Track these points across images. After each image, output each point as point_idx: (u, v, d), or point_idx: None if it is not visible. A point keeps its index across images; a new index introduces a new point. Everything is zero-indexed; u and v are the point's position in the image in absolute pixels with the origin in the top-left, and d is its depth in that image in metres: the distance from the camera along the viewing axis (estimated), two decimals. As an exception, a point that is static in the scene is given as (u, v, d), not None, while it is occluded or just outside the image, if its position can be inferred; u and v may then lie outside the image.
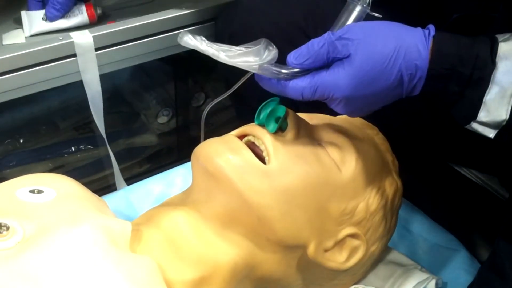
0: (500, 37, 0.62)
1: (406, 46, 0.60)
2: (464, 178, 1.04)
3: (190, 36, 0.64)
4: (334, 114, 0.79)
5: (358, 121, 0.79)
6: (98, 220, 0.57)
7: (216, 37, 1.10)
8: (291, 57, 0.62)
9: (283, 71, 0.62)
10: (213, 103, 0.70)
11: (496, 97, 0.60)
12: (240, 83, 0.68)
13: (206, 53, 0.63)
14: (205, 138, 0.67)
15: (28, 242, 0.52)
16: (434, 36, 0.61)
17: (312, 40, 0.62)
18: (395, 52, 0.59)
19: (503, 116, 0.60)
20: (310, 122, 0.72)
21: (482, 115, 0.61)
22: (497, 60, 0.60)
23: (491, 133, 0.62)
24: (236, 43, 0.65)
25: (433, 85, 0.61)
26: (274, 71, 0.62)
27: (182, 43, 0.64)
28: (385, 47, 0.59)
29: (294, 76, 0.62)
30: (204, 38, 0.64)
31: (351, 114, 0.64)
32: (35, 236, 0.53)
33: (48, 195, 0.62)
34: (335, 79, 0.60)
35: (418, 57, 0.60)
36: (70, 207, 0.61)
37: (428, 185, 1.03)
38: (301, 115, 0.70)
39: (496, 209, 0.90)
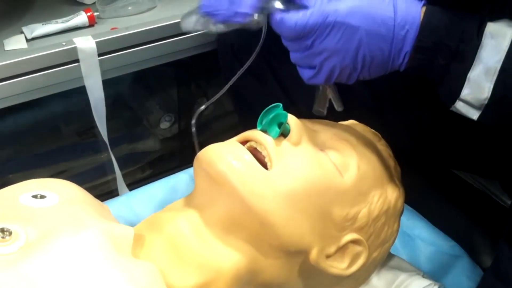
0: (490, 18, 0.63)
1: None
2: (466, 184, 1.04)
3: (186, 20, 0.67)
4: (336, 120, 0.80)
5: (360, 127, 0.79)
6: (100, 225, 0.57)
7: (218, 42, 1.11)
8: None
9: (276, 6, 0.64)
10: (204, 107, 0.71)
11: (480, 74, 0.62)
12: (235, 78, 0.69)
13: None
14: (207, 145, 0.67)
15: (31, 247, 0.52)
16: (426, 6, 0.63)
17: None
18: None
19: (485, 94, 0.62)
20: (312, 128, 0.72)
21: (465, 92, 0.63)
22: (483, 37, 0.61)
23: (474, 115, 0.64)
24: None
25: (421, 57, 0.64)
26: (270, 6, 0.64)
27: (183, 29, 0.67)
28: None
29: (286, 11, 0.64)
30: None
31: (334, 57, 0.65)
32: (37, 241, 0.53)
33: (50, 200, 0.62)
34: (332, 3, 0.62)
35: (412, 6, 0.63)
36: (73, 212, 0.61)
37: (430, 191, 1.03)
38: (303, 121, 0.70)
39: (498, 215, 0.90)
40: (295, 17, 0.63)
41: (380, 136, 0.79)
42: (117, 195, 1.17)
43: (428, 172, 1.02)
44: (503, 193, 1.02)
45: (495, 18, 0.63)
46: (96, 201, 0.69)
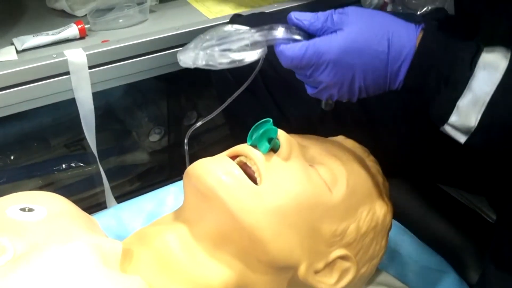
0: (487, 47, 0.64)
1: (397, 28, 0.65)
2: (454, 200, 1.04)
3: (185, 55, 0.67)
4: (326, 135, 0.80)
5: (349, 143, 0.79)
6: (88, 239, 0.57)
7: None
8: (295, 13, 0.67)
9: (277, 36, 0.66)
10: (200, 124, 0.72)
11: (469, 103, 0.63)
12: (231, 100, 0.70)
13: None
14: (197, 158, 0.67)
15: (19, 261, 0.52)
16: (424, 31, 0.65)
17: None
18: (386, 29, 0.64)
19: (472, 123, 0.63)
20: (302, 143, 0.72)
21: (453, 119, 0.65)
22: (476, 68, 0.62)
23: (461, 138, 0.66)
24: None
25: (414, 78, 0.65)
26: (270, 38, 0.66)
27: (182, 64, 0.68)
28: (378, 24, 0.65)
29: (287, 42, 0.67)
30: (199, 51, 0.67)
31: (332, 87, 0.67)
32: (25, 254, 0.53)
33: (39, 213, 0.62)
34: (327, 41, 0.65)
35: (406, 39, 0.65)
36: (61, 226, 0.60)
37: (418, 206, 1.04)
38: (293, 136, 0.70)
39: (485, 231, 0.91)
40: (291, 51, 0.66)
41: (369, 152, 0.80)
42: (106, 207, 1.17)
43: (416, 187, 1.03)
44: (489, 208, 1.03)
45: (492, 42, 0.64)
46: (84, 214, 0.69)
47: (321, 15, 0.67)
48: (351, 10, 0.66)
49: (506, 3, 0.76)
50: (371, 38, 0.64)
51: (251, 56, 0.67)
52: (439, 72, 0.64)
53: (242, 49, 0.67)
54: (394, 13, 0.71)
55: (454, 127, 0.65)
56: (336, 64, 0.65)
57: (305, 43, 0.65)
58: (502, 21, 0.76)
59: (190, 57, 0.68)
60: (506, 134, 0.64)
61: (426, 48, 0.64)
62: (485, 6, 0.80)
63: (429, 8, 1.20)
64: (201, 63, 0.67)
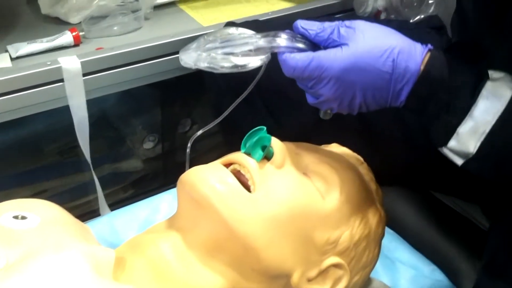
0: (493, 73, 0.64)
1: (403, 48, 0.63)
2: (447, 208, 1.05)
3: (187, 54, 0.66)
4: (320, 143, 0.81)
5: (343, 151, 0.79)
6: (82, 247, 0.57)
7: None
8: (301, 21, 0.66)
9: (282, 44, 0.65)
10: (201, 132, 0.71)
11: (469, 131, 0.63)
12: (229, 110, 0.70)
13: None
14: (191, 165, 0.67)
15: (11, 269, 0.52)
16: (430, 53, 0.64)
17: (324, 21, 0.67)
18: (392, 48, 0.63)
19: (471, 149, 0.64)
20: (296, 151, 0.72)
21: (452, 144, 0.65)
22: (479, 97, 0.62)
23: (459, 161, 0.66)
24: None
25: (416, 101, 0.65)
26: (274, 45, 0.65)
27: (183, 63, 0.67)
28: (384, 42, 0.63)
29: (291, 50, 0.65)
30: (201, 51, 0.66)
31: (332, 101, 0.67)
32: (18, 263, 0.53)
33: (32, 221, 0.62)
34: (331, 56, 0.63)
35: (412, 62, 0.63)
36: (54, 234, 0.60)
37: (411, 213, 1.04)
38: (287, 144, 0.70)
39: (478, 239, 0.91)
40: (294, 62, 0.64)
41: (362, 160, 0.80)
42: (99, 215, 1.17)
43: (410, 195, 1.03)
44: (483, 216, 1.03)
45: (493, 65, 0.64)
46: (78, 222, 0.69)
47: (328, 27, 0.65)
48: (358, 24, 0.65)
49: (506, 28, 0.76)
50: (375, 57, 0.63)
51: (254, 62, 0.65)
52: (441, 99, 0.63)
53: (245, 53, 0.65)
54: (402, 28, 0.69)
55: (453, 151, 0.65)
56: (338, 81, 0.64)
57: (309, 54, 0.64)
58: (503, 45, 0.76)
59: (192, 58, 0.67)
60: (503, 165, 0.64)
61: (430, 73, 0.63)
62: (486, 30, 0.80)
63: (422, 16, 1.21)
64: (203, 64, 0.66)
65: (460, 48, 0.63)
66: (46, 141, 1.31)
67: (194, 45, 0.68)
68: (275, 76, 0.70)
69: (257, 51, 0.66)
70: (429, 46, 0.65)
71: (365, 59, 0.63)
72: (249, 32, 0.68)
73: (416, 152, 0.94)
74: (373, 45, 0.63)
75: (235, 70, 0.66)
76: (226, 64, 0.65)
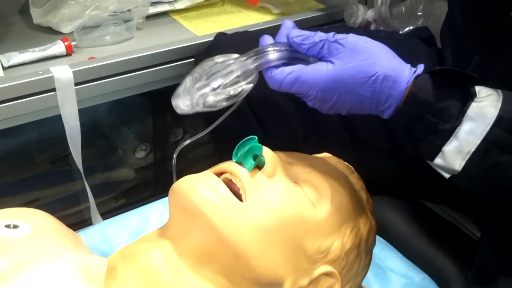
0: (480, 93, 0.65)
1: (389, 74, 0.64)
2: (437, 216, 1.05)
3: (180, 101, 0.67)
4: (311, 153, 0.81)
5: (333, 160, 0.80)
6: (73, 256, 0.57)
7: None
8: (293, 33, 0.67)
9: (266, 63, 0.66)
10: (188, 142, 0.71)
11: (454, 150, 0.65)
12: (218, 122, 0.70)
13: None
14: (183, 174, 0.67)
15: (3, 278, 0.52)
16: (416, 78, 0.65)
17: (318, 31, 0.67)
18: (377, 74, 0.64)
19: (456, 167, 0.65)
20: (287, 161, 0.73)
21: (438, 161, 0.66)
22: (464, 118, 0.63)
23: (446, 175, 0.67)
24: None
25: (402, 121, 0.67)
26: (258, 64, 0.66)
27: (179, 111, 0.68)
28: (370, 66, 0.64)
29: (277, 64, 0.66)
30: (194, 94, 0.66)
31: (321, 108, 0.69)
32: (9, 271, 0.53)
33: (23, 230, 0.62)
34: (316, 74, 0.65)
35: (396, 88, 0.64)
36: (46, 243, 0.60)
37: (402, 222, 1.05)
38: (278, 153, 0.71)
39: (468, 248, 0.91)
40: (281, 77, 0.66)
41: (353, 169, 0.80)
42: (91, 224, 1.16)
43: (400, 204, 1.04)
44: (473, 225, 1.04)
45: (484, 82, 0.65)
46: (69, 231, 0.69)
47: (319, 41, 0.66)
48: (348, 41, 0.65)
49: (496, 45, 0.78)
50: (359, 83, 0.64)
51: (247, 88, 0.67)
52: (428, 120, 0.65)
53: (234, 81, 0.66)
54: (391, 39, 0.71)
55: (439, 167, 0.67)
56: (323, 97, 0.66)
57: (294, 72, 0.65)
58: (494, 61, 0.78)
59: (186, 104, 0.67)
60: (489, 184, 0.66)
61: (417, 95, 0.64)
62: (477, 45, 0.81)
63: (411, 28, 1.22)
64: (200, 109, 0.67)
65: (449, 72, 0.64)
66: (37, 150, 1.31)
67: (181, 88, 0.68)
68: (264, 87, 0.71)
69: (244, 74, 0.67)
70: (418, 70, 0.66)
71: (347, 83, 0.64)
72: (231, 56, 0.69)
73: (405, 162, 0.94)
74: (358, 70, 0.64)
75: (233, 101, 0.67)
76: (221, 98, 0.66)
